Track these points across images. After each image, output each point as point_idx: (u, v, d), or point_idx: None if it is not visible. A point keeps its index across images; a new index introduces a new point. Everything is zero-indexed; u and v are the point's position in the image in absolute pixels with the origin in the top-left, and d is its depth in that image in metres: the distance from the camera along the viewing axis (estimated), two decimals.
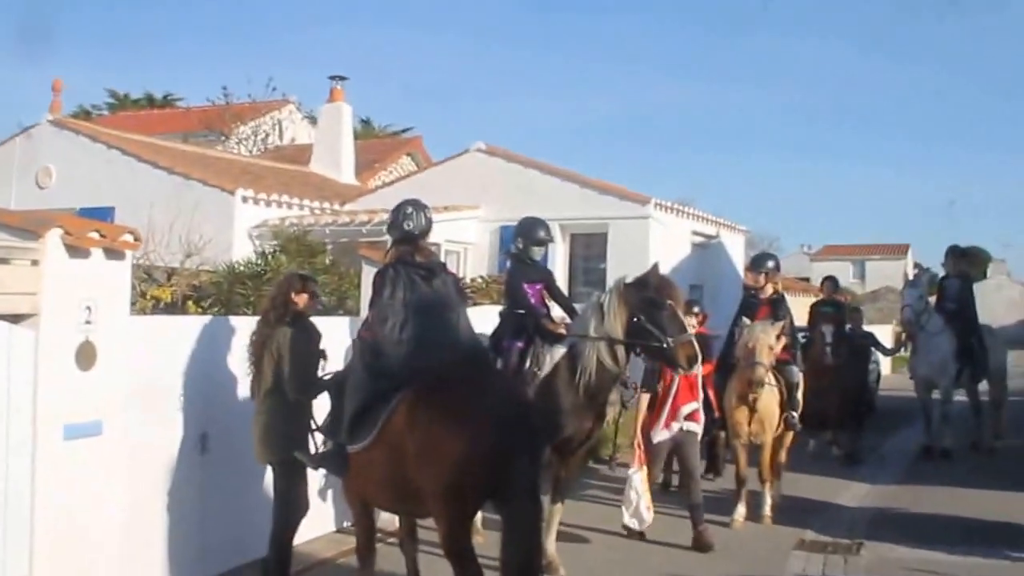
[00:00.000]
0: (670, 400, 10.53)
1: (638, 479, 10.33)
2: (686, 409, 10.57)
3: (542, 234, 10.14)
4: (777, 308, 12.05)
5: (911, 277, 18.10)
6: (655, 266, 9.43)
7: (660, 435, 10.60)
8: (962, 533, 10.69)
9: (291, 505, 8.05)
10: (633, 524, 10.40)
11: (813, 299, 19.69)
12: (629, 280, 9.20)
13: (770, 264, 12.55)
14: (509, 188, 20.37)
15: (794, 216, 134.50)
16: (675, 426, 10.56)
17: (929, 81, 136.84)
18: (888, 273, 71.92)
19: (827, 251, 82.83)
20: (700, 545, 10.09)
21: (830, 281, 17.70)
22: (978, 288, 65.47)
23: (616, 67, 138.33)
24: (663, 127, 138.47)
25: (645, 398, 10.61)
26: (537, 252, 10.16)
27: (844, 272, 74.55)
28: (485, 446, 6.38)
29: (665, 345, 8.82)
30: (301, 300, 8.14)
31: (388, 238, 8.25)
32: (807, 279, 58.76)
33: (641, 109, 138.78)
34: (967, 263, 18.97)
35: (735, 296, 17.07)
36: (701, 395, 10.92)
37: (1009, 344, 18.32)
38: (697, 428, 10.77)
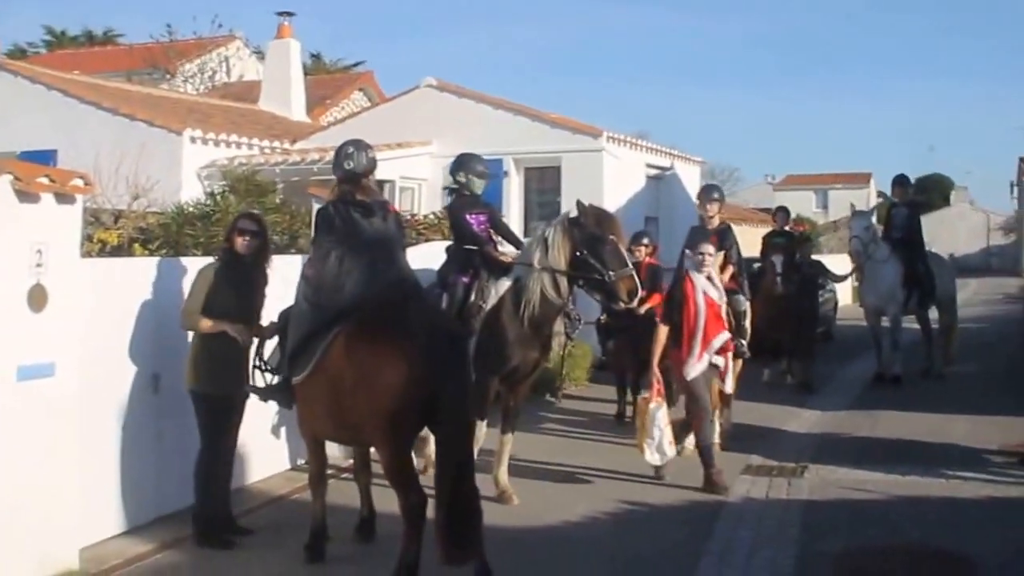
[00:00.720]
0: (699, 332, 10.20)
1: (660, 414, 10.17)
2: (718, 341, 10.31)
3: (480, 167, 10.43)
4: (723, 238, 12.29)
5: (857, 207, 18.40)
6: (590, 205, 9.68)
7: (695, 368, 10.24)
8: (903, 455, 11.15)
9: (206, 442, 8.39)
10: (655, 459, 10.25)
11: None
12: (573, 215, 9.52)
13: (716, 195, 12.90)
14: (461, 123, 20.49)
15: (757, 147, 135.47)
16: (706, 358, 10.25)
17: (889, 9, 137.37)
18: (850, 201, 72.55)
19: (790, 180, 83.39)
20: (713, 487, 9.97)
21: (782, 212, 18.03)
22: (940, 216, 66.54)
23: None
24: (621, 58, 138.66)
25: (663, 330, 10.45)
26: (478, 185, 10.41)
27: (807, 201, 75.24)
28: (417, 375, 6.78)
29: (606, 278, 9.20)
30: (235, 241, 8.42)
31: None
32: (770, 209, 59.03)
33: (599, 39, 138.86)
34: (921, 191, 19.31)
35: (690, 222, 17.36)
36: (725, 323, 10.70)
37: (971, 272, 18.72)
38: (721, 361, 10.47)
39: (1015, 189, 62.57)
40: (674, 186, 23.74)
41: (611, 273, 9.21)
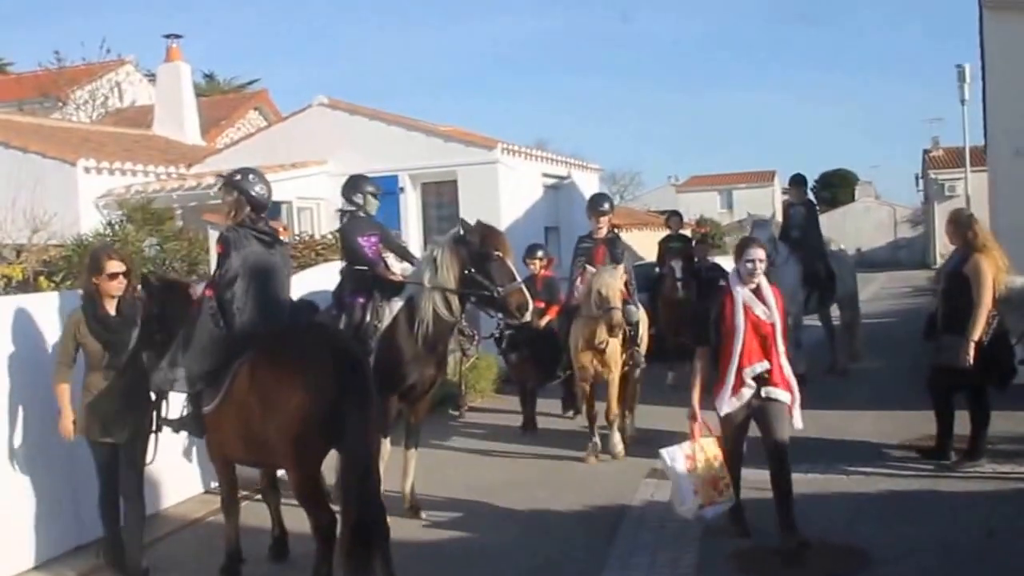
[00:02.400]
0: (735, 358, 8.48)
1: (677, 456, 8.73)
2: (752, 370, 8.49)
3: (370, 188, 10.75)
4: (613, 247, 12.58)
5: (756, 215, 18.81)
6: (477, 222, 10.00)
7: (727, 403, 8.59)
8: (806, 453, 11.11)
9: (101, 485, 8.40)
10: (684, 512, 8.70)
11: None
12: (460, 233, 9.81)
13: (606, 206, 12.97)
14: (356, 141, 20.80)
15: (661, 149, 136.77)
16: (745, 392, 8.51)
17: (790, 6, 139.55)
18: (755, 201, 73.66)
19: (693, 182, 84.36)
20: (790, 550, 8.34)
21: (675, 216, 18.61)
22: (845, 211, 67.38)
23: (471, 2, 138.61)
24: (521, 67, 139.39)
25: (701, 355, 8.85)
26: (371, 206, 10.75)
27: (711, 202, 76.27)
28: (320, 398, 7.10)
29: (495, 294, 9.56)
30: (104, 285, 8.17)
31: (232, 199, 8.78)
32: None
33: (498, 49, 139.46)
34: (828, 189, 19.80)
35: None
36: (779, 347, 8.61)
37: (877, 266, 19.08)
38: (782, 396, 8.63)
39: (920, 182, 64.28)
40: (573, 195, 24.08)
41: (500, 289, 9.53)
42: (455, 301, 9.76)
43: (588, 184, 25.29)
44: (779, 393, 8.60)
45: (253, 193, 8.27)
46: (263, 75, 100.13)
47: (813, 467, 10.78)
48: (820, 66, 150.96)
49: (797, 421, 8.77)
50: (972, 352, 10.12)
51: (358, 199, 10.71)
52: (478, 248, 9.67)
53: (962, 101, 26.46)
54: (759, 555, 8.29)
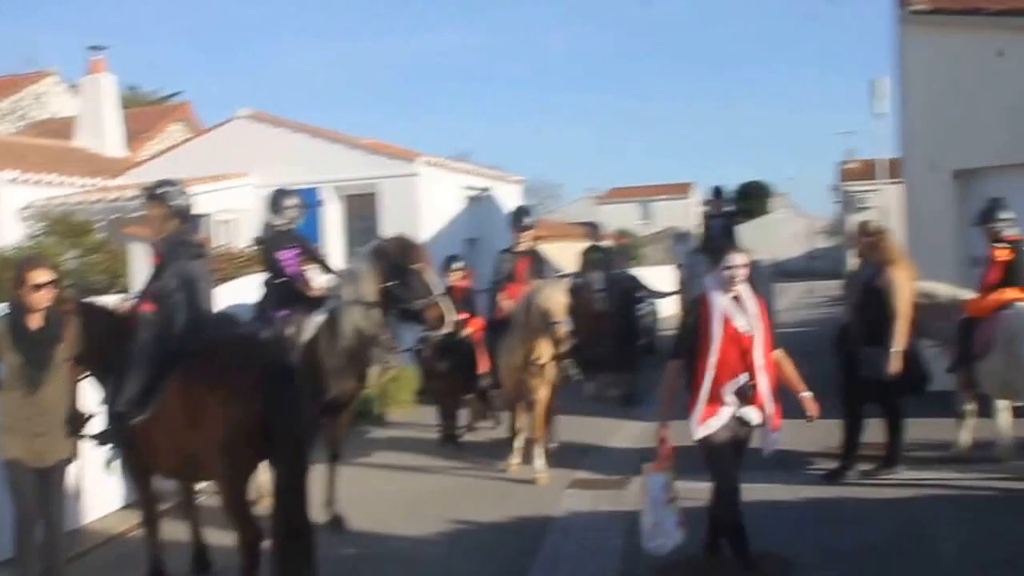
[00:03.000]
0: (710, 372, 7.50)
1: (655, 484, 7.86)
2: (731, 385, 7.56)
3: (292, 202, 10.81)
4: (535, 262, 12.62)
5: (676, 228, 19.06)
6: (395, 236, 10.12)
7: (704, 425, 7.58)
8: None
9: (16, 512, 7.75)
10: (656, 546, 7.80)
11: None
12: (379, 246, 9.87)
13: (527, 220, 12.99)
14: (278, 153, 20.72)
15: (581, 161, 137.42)
16: (725, 412, 7.58)
17: (709, 20, 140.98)
18: (674, 213, 74.25)
19: (613, 193, 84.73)
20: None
21: (590, 227, 18.69)
22: (762, 222, 68.08)
23: (394, 12, 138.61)
24: (444, 79, 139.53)
25: (672, 367, 7.89)
26: (291, 220, 10.78)
27: (630, 214, 76.66)
28: (250, 409, 7.06)
29: (413, 307, 9.58)
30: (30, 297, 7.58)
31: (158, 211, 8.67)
32: (593, 223, 60.04)
33: (422, 61, 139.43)
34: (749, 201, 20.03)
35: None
36: (759, 361, 7.64)
37: (793, 276, 19.23)
38: (754, 417, 7.76)
39: (835, 194, 65.03)
40: (494, 207, 24.17)
41: (417, 302, 9.56)
42: (375, 314, 9.71)
43: (509, 196, 25.32)
44: (751, 413, 7.70)
45: (177, 204, 8.23)
46: (186, 88, 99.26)
47: (744, 476, 10.73)
48: (738, 79, 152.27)
49: (771, 443, 7.87)
50: (899, 362, 10.11)
51: (275, 215, 10.77)
52: (397, 261, 9.65)
53: (876, 115, 26.77)
54: (682, 566, 8.26)
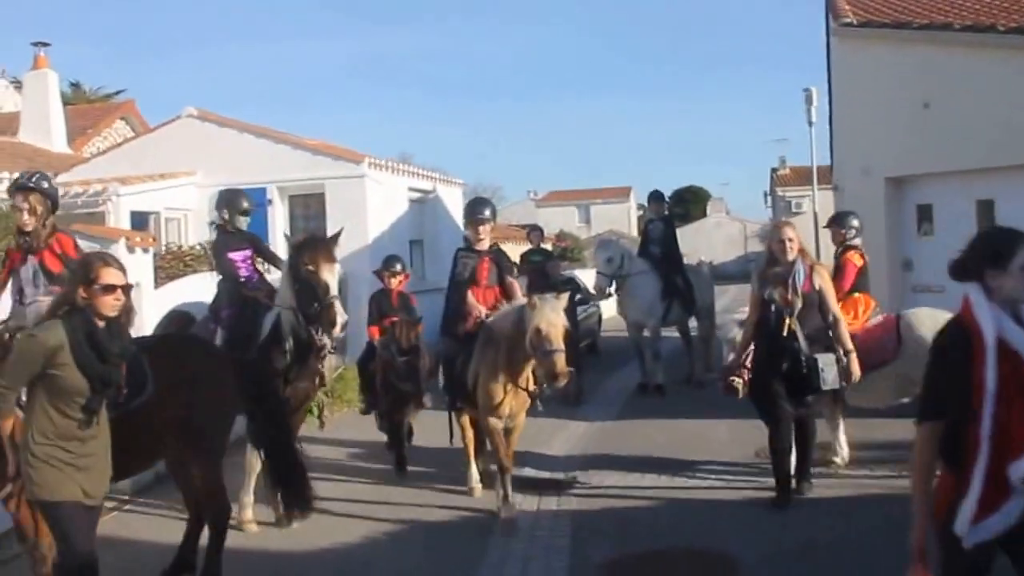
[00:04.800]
0: (984, 443, 4.53)
1: None
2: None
3: (244, 204, 10.66)
4: (502, 262, 10.87)
5: (604, 236, 18.99)
6: (301, 235, 10.21)
7: (976, 530, 4.59)
8: (668, 462, 11.55)
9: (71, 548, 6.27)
10: None
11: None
12: (289, 247, 9.80)
13: (487, 212, 10.87)
14: (224, 153, 20.57)
15: (520, 164, 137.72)
16: (1013, 507, 4.56)
17: (646, 25, 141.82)
18: (612, 216, 74.66)
19: (552, 196, 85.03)
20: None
21: (536, 231, 18.69)
22: (697, 226, 68.40)
23: (336, 14, 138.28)
24: (387, 80, 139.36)
25: (927, 432, 4.82)
26: (242, 221, 10.62)
27: (570, 217, 77.00)
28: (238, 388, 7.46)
29: (309, 311, 9.38)
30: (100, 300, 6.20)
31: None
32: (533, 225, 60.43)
33: (365, 62, 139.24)
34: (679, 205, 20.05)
35: (454, 245, 17.76)
36: None
37: (729, 279, 19.21)
38: None
39: (768, 198, 65.62)
40: (437, 209, 24.28)
41: (316, 304, 9.28)
42: (298, 317, 9.53)
43: (452, 198, 25.40)
44: None
45: (55, 196, 8.42)
46: (130, 85, 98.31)
47: (676, 475, 10.99)
48: (675, 86, 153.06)
49: None
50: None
51: (224, 215, 10.65)
52: (297, 262, 9.46)
53: (809, 123, 27.01)
54: (629, 562, 8.35)
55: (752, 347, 10.05)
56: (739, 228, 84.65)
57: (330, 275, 9.36)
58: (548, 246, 26.71)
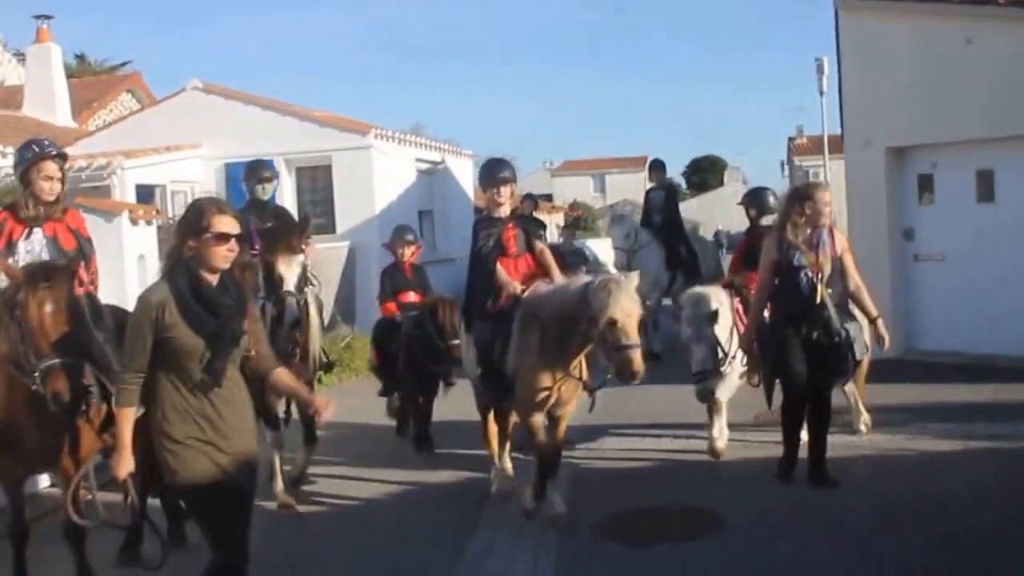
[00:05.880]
0: None
1: None
2: None
3: (264, 172, 10.94)
4: (529, 227, 9.79)
5: (618, 211, 19.13)
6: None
7: None
8: (664, 425, 11.95)
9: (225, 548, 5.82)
10: None
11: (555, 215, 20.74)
12: None
13: (506, 173, 9.56)
14: (230, 125, 20.92)
15: (537, 134, 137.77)
16: None
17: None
18: (628, 186, 74.83)
19: (567, 167, 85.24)
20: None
21: (528, 199, 18.88)
22: (714, 195, 68.68)
23: None
24: (401, 52, 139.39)
25: None
26: (260, 190, 10.88)
27: (585, 187, 77.35)
28: None
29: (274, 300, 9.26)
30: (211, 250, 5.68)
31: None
32: (550, 196, 60.90)
33: (378, 32, 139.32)
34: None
35: (466, 218, 18.15)
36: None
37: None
38: None
39: (785, 168, 65.83)
40: (447, 180, 24.75)
41: (273, 297, 9.21)
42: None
43: (462, 169, 25.82)
44: None
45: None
46: (136, 57, 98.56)
47: (673, 437, 11.42)
48: (692, 56, 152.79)
49: None
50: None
51: (247, 186, 10.98)
52: (263, 252, 9.45)
53: (821, 92, 27.43)
54: (620, 521, 8.70)
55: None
56: None
57: (286, 268, 9.18)
58: (543, 215, 26.97)
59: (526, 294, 8.92)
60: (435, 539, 8.71)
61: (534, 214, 18.74)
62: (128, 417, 5.53)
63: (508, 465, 9.98)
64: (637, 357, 7.82)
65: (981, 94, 14.53)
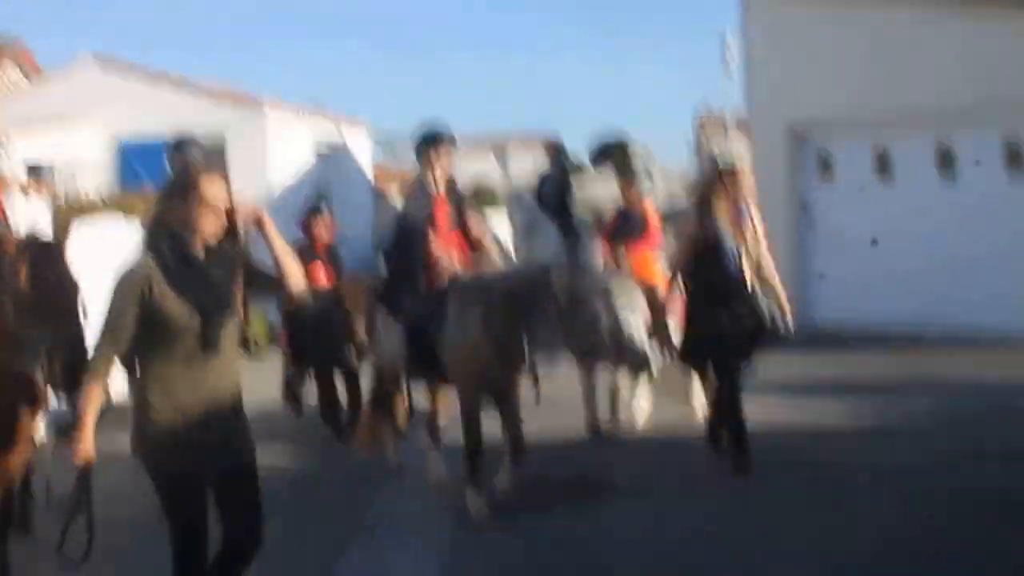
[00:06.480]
0: None
1: None
2: None
3: (190, 150, 10.30)
4: (460, 201, 9.42)
5: (516, 193, 18.95)
6: None
7: None
8: (556, 403, 11.96)
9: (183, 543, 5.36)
10: None
11: None
12: None
13: (446, 141, 9.17)
14: (122, 99, 20.84)
15: (438, 110, 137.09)
16: None
17: None
18: (532, 164, 75.05)
19: (470, 142, 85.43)
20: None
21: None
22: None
23: None
24: (299, 24, 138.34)
25: None
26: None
27: (488, 163, 77.50)
28: None
29: None
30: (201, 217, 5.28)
31: None
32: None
33: (278, 4, 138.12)
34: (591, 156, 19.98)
35: (364, 195, 18.15)
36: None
37: None
38: None
39: (692, 147, 66.68)
40: (344, 156, 24.72)
41: None
42: None
43: (360, 144, 25.76)
44: None
45: None
46: (21, 28, 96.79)
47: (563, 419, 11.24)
48: (597, 33, 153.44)
49: None
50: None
51: (173, 161, 10.22)
52: None
53: (727, 72, 27.80)
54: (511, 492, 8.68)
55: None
56: (662, 176, 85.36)
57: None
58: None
59: (468, 272, 8.60)
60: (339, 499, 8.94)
61: None
62: (94, 400, 5.16)
63: (396, 451, 9.79)
64: (600, 333, 7.45)
65: (880, 74, 14.95)
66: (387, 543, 8.09)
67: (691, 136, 66.60)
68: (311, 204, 12.20)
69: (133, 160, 19.95)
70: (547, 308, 7.60)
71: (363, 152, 25.70)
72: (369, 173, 26.09)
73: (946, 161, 15.56)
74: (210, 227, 5.21)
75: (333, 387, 11.50)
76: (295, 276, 5.49)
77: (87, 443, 5.12)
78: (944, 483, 8.66)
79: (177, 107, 20.76)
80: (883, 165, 15.78)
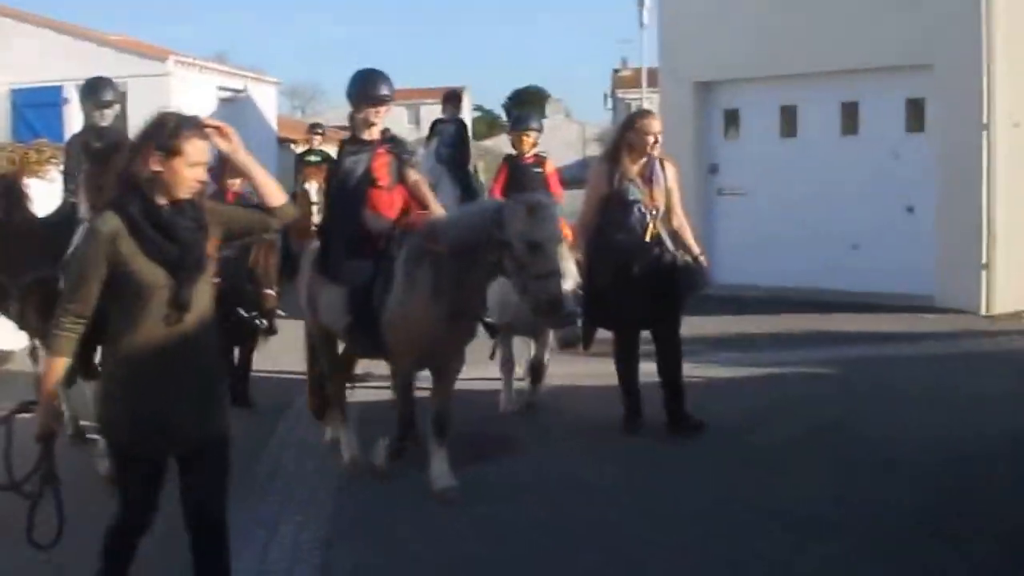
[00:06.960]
0: None
1: None
2: None
3: (104, 95, 9.95)
4: (401, 153, 8.57)
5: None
6: None
7: None
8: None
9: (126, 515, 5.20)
10: None
11: None
12: None
13: (385, 90, 8.57)
14: (19, 48, 20.57)
15: (346, 63, 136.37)
16: None
17: None
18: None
19: None
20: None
21: (316, 130, 18.87)
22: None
23: None
24: None
25: None
26: (99, 116, 9.93)
27: (399, 118, 76.91)
28: None
29: None
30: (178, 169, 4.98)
31: None
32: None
33: None
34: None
35: (270, 149, 18.01)
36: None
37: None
38: None
39: (609, 101, 66.79)
40: (249, 108, 24.64)
41: None
42: None
43: (266, 98, 25.72)
44: None
45: None
46: None
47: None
48: None
49: None
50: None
51: (97, 107, 9.89)
52: None
53: (642, 24, 28.02)
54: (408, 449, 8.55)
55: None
56: (578, 131, 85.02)
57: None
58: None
59: (418, 226, 7.90)
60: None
61: (321, 147, 18.91)
62: (58, 367, 4.88)
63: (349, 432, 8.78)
64: (561, 286, 6.92)
65: (785, 29, 15.20)
66: (276, 504, 7.95)
67: (608, 90, 67.36)
68: (219, 155, 11.77)
69: (25, 111, 19.83)
70: (499, 256, 7.10)
71: (268, 103, 25.58)
72: (274, 123, 25.97)
73: (849, 116, 15.87)
74: (185, 190, 4.94)
75: (227, 357, 10.25)
76: (273, 190, 5.31)
77: (50, 414, 4.91)
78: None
79: (77, 57, 20.48)
80: (789, 123, 16.07)
